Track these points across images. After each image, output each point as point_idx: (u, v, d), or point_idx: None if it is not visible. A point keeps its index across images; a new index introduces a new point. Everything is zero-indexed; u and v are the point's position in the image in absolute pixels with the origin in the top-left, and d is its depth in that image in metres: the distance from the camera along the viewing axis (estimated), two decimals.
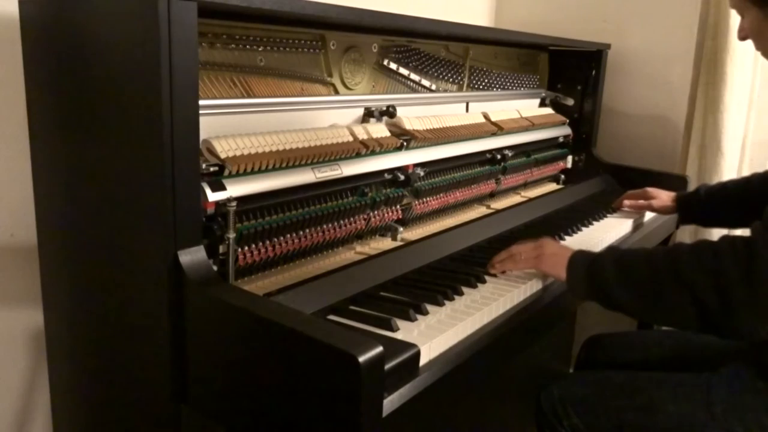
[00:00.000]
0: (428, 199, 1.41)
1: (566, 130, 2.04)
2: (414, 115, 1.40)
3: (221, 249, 0.96)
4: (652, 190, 1.70)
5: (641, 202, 1.70)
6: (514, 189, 1.82)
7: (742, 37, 1.17)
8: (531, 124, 1.82)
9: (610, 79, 2.09)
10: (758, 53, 1.17)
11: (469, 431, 1.66)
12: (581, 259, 1.11)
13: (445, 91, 1.64)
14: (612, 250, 1.11)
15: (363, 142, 1.22)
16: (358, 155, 1.21)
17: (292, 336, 0.76)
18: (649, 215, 1.75)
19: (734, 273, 0.92)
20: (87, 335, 1.09)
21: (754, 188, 1.48)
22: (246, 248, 1.00)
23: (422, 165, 1.36)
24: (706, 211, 1.57)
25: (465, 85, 1.71)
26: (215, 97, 1.05)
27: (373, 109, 1.31)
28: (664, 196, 1.67)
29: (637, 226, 1.67)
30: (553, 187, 2.01)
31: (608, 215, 1.69)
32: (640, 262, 1.03)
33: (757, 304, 0.91)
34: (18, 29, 1.05)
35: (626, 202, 1.73)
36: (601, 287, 1.06)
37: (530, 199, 1.72)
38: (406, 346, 0.85)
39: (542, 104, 2.04)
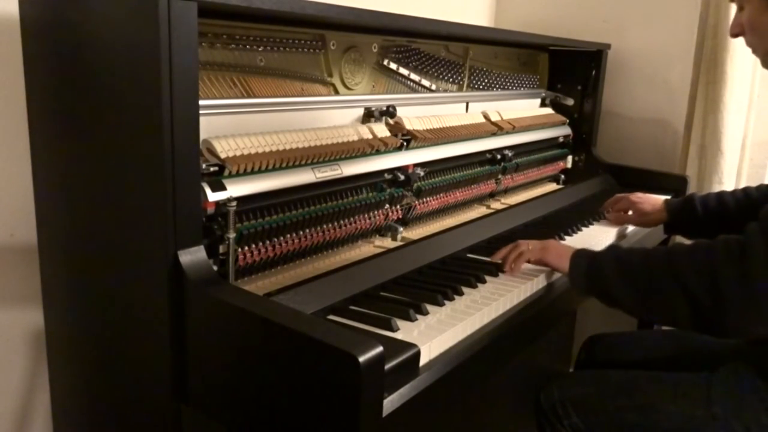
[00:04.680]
0: (428, 199, 1.41)
1: (566, 130, 2.04)
2: (414, 115, 1.40)
3: (221, 249, 0.96)
4: (637, 199, 1.60)
5: (624, 216, 1.61)
6: (514, 189, 1.81)
7: (735, 33, 1.17)
8: (531, 124, 1.82)
9: (610, 79, 2.09)
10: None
11: (469, 431, 1.66)
12: (584, 254, 1.13)
13: (445, 91, 1.64)
14: (614, 248, 1.13)
15: (363, 142, 1.22)
16: (359, 155, 1.21)
17: (292, 336, 0.76)
18: None
19: (727, 272, 0.93)
20: (87, 335, 1.09)
21: (755, 203, 1.41)
22: (246, 248, 1.00)
23: (422, 165, 1.36)
24: (702, 225, 1.49)
25: (465, 85, 1.71)
26: (215, 97, 1.05)
27: (373, 109, 1.31)
28: (647, 207, 1.57)
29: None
30: (553, 187, 2.01)
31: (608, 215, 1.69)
32: (639, 260, 1.04)
33: (749, 303, 0.92)
34: (18, 29, 1.05)
35: (609, 216, 1.63)
36: (600, 282, 1.08)
37: (530, 199, 1.72)
38: (406, 346, 0.85)
39: (542, 104, 2.04)
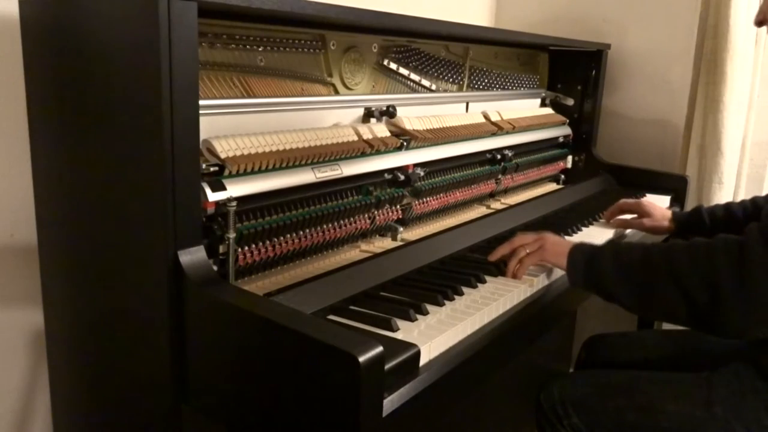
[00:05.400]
0: (428, 199, 1.41)
1: (566, 130, 2.04)
2: (414, 115, 1.40)
3: (221, 249, 0.96)
4: (646, 205, 1.58)
5: (631, 219, 1.60)
6: (514, 189, 1.82)
7: (759, 21, 1.16)
8: (531, 124, 1.82)
9: (610, 79, 2.09)
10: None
11: (469, 431, 1.66)
12: (582, 250, 1.13)
13: (445, 91, 1.64)
14: (612, 244, 1.13)
15: (363, 142, 1.22)
16: (359, 155, 1.21)
17: (292, 336, 0.76)
18: None
19: (725, 272, 0.93)
20: (87, 335, 1.09)
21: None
22: (246, 248, 1.00)
23: (422, 165, 1.36)
24: (709, 236, 1.49)
25: (465, 85, 1.71)
26: (215, 97, 1.05)
27: (373, 109, 1.32)
28: (657, 214, 1.56)
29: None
30: (553, 187, 2.01)
31: None
32: (637, 257, 1.04)
33: (747, 303, 0.93)
34: (18, 29, 1.05)
35: (616, 218, 1.62)
36: (598, 278, 1.08)
37: (530, 199, 1.72)
38: (406, 346, 0.85)
39: (542, 104, 2.04)
